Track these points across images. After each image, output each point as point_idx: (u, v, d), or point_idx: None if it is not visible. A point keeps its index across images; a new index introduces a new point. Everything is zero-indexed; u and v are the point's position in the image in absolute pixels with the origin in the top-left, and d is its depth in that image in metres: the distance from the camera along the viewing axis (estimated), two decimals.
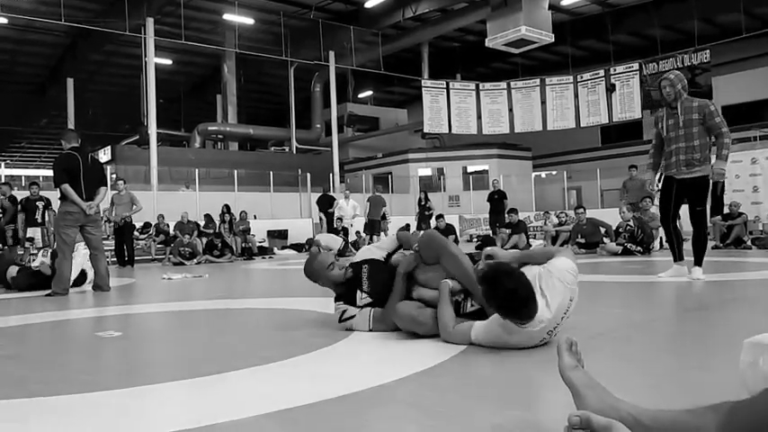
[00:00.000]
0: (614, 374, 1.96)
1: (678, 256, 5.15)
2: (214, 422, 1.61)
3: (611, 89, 19.10)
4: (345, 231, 14.39)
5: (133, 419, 1.70)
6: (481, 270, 2.36)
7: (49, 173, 6.82)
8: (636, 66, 18.80)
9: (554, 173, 24.04)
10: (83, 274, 6.40)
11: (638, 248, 8.59)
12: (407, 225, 16.13)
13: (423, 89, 20.61)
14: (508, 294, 2.17)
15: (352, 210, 14.35)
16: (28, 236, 10.59)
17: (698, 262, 5.02)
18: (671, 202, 5.02)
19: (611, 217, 10.52)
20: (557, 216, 12.04)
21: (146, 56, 17.73)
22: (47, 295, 5.59)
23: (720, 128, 4.76)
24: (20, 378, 2.32)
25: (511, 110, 20.29)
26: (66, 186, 5.79)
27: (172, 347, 2.90)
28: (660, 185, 5.18)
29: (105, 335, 3.23)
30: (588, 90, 19.52)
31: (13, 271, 6.41)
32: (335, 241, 12.18)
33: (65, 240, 5.82)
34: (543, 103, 19.97)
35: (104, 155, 21.52)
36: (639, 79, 18.66)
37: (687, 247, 5.15)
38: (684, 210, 5.11)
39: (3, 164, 16.89)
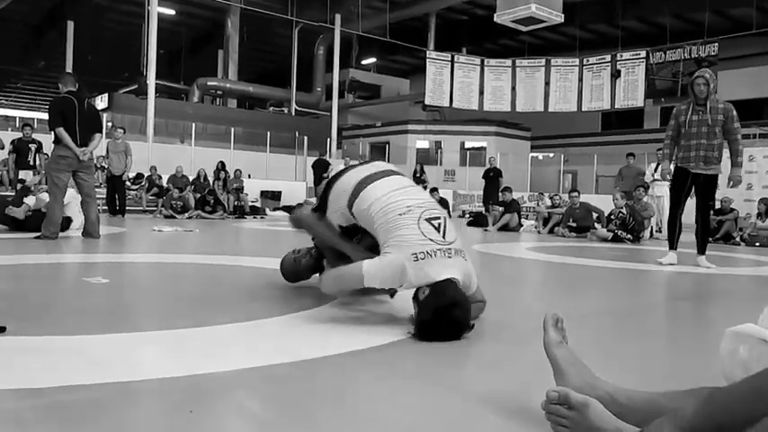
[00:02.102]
0: (592, 357, 1.99)
1: (674, 245, 5.35)
2: (197, 372, 1.62)
3: (615, 75, 18.96)
4: None
5: (117, 364, 1.71)
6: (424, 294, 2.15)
7: (44, 116, 6.74)
8: (643, 53, 18.64)
9: (551, 155, 24.00)
10: (67, 220, 6.35)
11: (629, 236, 8.64)
12: None
13: (427, 60, 20.39)
14: (453, 326, 2.09)
15: None
16: (19, 178, 10.51)
17: (702, 251, 5.24)
18: (683, 192, 5.20)
19: (605, 203, 10.55)
20: (550, 198, 12.04)
21: (149, 4, 17.40)
22: (36, 237, 5.57)
23: (737, 134, 5.00)
24: (1, 315, 2.32)
25: (514, 88, 20.13)
26: (61, 130, 5.73)
27: (159, 298, 2.91)
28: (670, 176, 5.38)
29: (93, 281, 3.23)
30: (593, 74, 19.37)
31: (20, 212, 6.35)
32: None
33: (56, 184, 5.78)
34: (547, 83, 19.82)
35: (101, 102, 21.26)
36: (645, 67, 18.53)
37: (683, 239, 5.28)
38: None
39: None
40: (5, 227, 6.45)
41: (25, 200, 6.49)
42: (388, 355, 1.91)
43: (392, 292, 2.45)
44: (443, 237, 2.23)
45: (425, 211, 2.29)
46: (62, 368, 1.64)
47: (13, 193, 10.18)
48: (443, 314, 2.06)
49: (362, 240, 2.57)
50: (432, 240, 2.19)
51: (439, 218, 2.29)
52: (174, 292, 3.05)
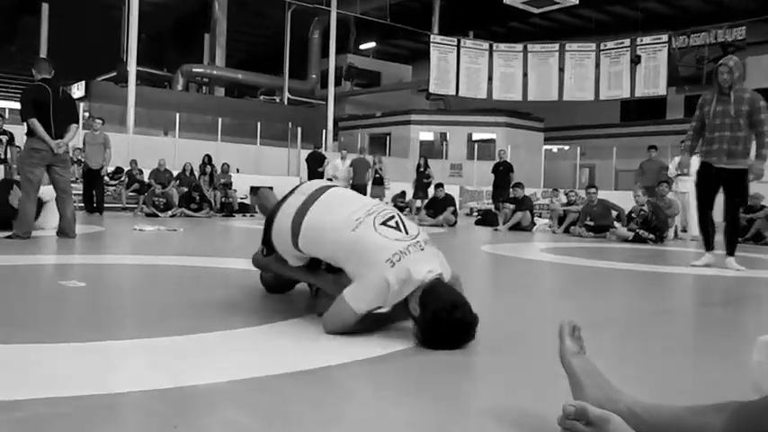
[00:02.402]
0: (611, 367, 1.98)
1: (710, 246, 5.33)
2: (182, 384, 1.62)
3: (635, 61, 18.96)
4: None
5: (96, 375, 1.71)
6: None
7: (15, 105, 6.74)
8: (665, 37, 18.64)
9: (566, 148, 24.00)
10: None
11: (651, 236, 8.63)
12: (403, 192, 16.13)
13: (431, 45, 20.39)
14: (459, 329, 2.10)
15: (347, 172, 14.30)
16: None
17: (731, 252, 5.23)
18: (710, 189, 5.20)
19: (625, 200, 10.54)
20: (566, 194, 12.05)
21: None
22: (7, 237, 5.57)
23: (764, 125, 4.93)
24: None
25: (525, 75, 20.14)
26: (34, 121, 5.73)
27: (139, 303, 2.91)
28: (696, 172, 5.37)
29: (69, 284, 3.23)
30: (611, 60, 19.37)
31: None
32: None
33: (30, 179, 5.78)
34: (561, 70, 19.82)
35: (78, 90, 21.27)
36: (668, 52, 18.52)
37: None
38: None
39: None
40: None
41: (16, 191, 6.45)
42: (389, 367, 1.91)
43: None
44: (406, 232, 2.27)
45: (376, 215, 2.30)
46: (37, 379, 1.64)
47: None
48: (445, 320, 2.06)
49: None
50: (397, 240, 2.21)
51: (393, 216, 2.33)
52: (156, 297, 3.05)
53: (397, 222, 2.28)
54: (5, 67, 32.61)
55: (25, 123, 5.82)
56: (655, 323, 2.91)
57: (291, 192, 2.61)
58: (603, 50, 19.50)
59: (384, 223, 2.26)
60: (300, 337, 2.22)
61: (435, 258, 2.26)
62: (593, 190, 10.19)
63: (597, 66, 19.49)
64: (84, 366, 1.79)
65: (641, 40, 18.98)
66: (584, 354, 1.44)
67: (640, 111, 23.06)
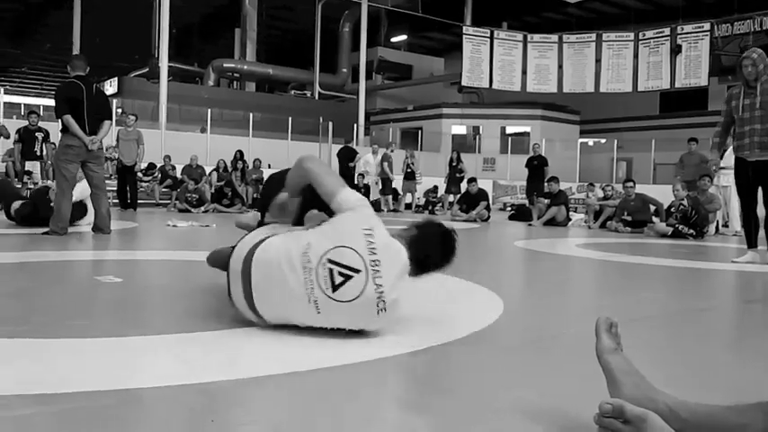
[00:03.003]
0: (649, 364, 1.97)
1: (753, 243, 5.26)
2: (217, 379, 1.66)
3: (676, 51, 18.61)
4: (367, 189, 14.41)
5: (132, 369, 1.75)
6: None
7: (51, 103, 6.90)
8: (707, 26, 18.25)
9: (603, 141, 23.69)
10: (82, 207, 6.49)
11: (691, 231, 8.48)
12: (435, 187, 16.11)
13: (463, 37, 20.28)
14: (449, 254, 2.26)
15: (378, 167, 14.33)
16: (26, 169, 10.77)
17: None
18: (749, 184, 5.14)
19: (664, 194, 10.38)
20: (602, 189, 11.90)
21: None
22: (44, 233, 5.71)
23: None
24: (12, 318, 2.39)
25: (560, 67, 19.92)
26: (69, 118, 5.85)
27: (174, 299, 2.97)
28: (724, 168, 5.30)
29: (105, 280, 3.31)
30: (650, 50, 19.05)
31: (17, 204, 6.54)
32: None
33: (65, 176, 5.91)
34: (598, 61, 19.56)
35: (110, 86, 21.67)
36: (710, 41, 18.13)
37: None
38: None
39: (2, 89, 17.09)
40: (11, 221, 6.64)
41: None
42: (418, 363, 1.92)
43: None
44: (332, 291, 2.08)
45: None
46: (73, 373, 1.69)
47: (20, 186, 10.48)
48: (438, 231, 2.28)
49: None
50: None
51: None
52: (191, 294, 3.10)
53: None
54: (39, 64, 33.40)
55: (60, 120, 5.95)
56: (694, 320, 2.88)
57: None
58: (642, 40, 19.18)
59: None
60: (327, 333, 2.24)
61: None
62: (630, 184, 10.06)
63: (635, 56, 19.19)
64: (121, 360, 1.84)
65: (682, 29, 18.62)
66: (621, 351, 1.44)
67: (680, 102, 22.64)
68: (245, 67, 24.55)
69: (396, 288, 2.09)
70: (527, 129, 23.28)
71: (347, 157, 14.44)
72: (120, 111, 16.84)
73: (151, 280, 3.72)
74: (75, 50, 21.32)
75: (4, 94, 18.13)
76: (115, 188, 11.51)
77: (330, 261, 2.05)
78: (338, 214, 2.18)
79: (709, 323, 2.88)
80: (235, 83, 26.06)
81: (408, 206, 15.35)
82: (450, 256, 2.27)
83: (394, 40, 28.77)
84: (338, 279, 2.04)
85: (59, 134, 6.03)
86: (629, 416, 1.19)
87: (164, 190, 13.26)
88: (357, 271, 2.04)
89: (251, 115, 18.67)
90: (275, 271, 2.09)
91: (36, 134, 11.11)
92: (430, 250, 2.22)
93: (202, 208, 11.48)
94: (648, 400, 1.28)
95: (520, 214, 12.29)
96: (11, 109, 20.20)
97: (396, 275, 2.09)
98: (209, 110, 18.02)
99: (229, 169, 13.82)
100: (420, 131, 23.26)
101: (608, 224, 9.95)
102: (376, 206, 12.73)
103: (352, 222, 2.13)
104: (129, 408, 1.45)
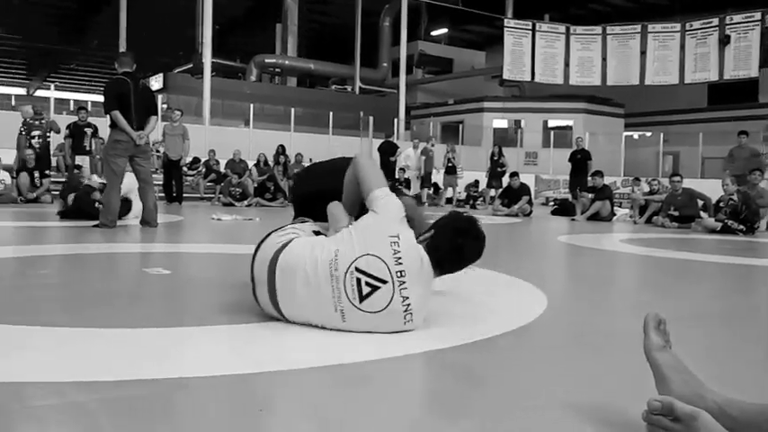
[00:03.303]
0: (699, 364, 1.94)
1: None
2: (265, 369, 1.69)
3: (724, 41, 18.12)
4: (408, 183, 14.41)
5: (181, 358, 1.80)
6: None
7: (100, 98, 7.07)
8: (757, 15, 17.71)
9: (649, 134, 23.21)
10: (127, 203, 6.67)
11: (741, 227, 8.27)
12: (476, 182, 16.02)
13: (505, 30, 20.08)
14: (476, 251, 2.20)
15: (418, 161, 14.32)
16: (76, 163, 11.07)
17: None
18: None
19: (712, 189, 10.15)
20: (648, 183, 11.69)
21: None
22: (94, 226, 5.87)
23: None
24: (64, 308, 2.48)
25: (604, 59, 19.60)
26: (117, 113, 6.00)
27: (223, 290, 3.02)
28: None
29: (153, 272, 3.40)
30: (697, 41, 18.60)
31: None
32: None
33: (113, 170, 6.06)
34: (643, 53, 19.19)
35: (156, 82, 22.07)
36: (760, 31, 17.60)
37: None
38: None
39: (53, 86, 17.58)
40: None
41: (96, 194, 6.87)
42: (458, 359, 1.92)
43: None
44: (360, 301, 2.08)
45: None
46: (123, 362, 1.74)
47: (65, 180, 10.77)
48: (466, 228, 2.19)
49: None
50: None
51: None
52: (235, 286, 3.15)
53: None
54: (88, 61, 34.21)
55: (108, 116, 6.10)
56: (744, 318, 2.81)
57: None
58: (689, 31, 18.74)
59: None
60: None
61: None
62: (677, 178, 9.85)
63: (682, 47, 18.76)
64: (170, 350, 1.89)
65: (731, 19, 18.12)
66: (670, 348, 1.42)
67: (730, 94, 22.04)
68: (287, 62, 24.73)
69: (422, 298, 2.09)
70: (570, 122, 22.96)
71: (388, 152, 14.46)
72: (165, 106, 17.16)
73: (197, 272, 3.80)
74: (122, 47, 21.79)
75: (55, 90, 18.65)
76: (161, 182, 11.74)
77: (357, 270, 2.05)
78: (362, 218, 2.19)
79: (760, 322, 2.81)
80: (276, 78, 26.27)
81: (449, 200, 15.30)
82: (469, 255, 2.20)
83: (434, 33, 28.64)
84: (366, 290, 2.04)
85: (108, 129, 6.19)
86: (678, 413, 1.17)
87: (208, 184, 13.49)
88: (384, 282, 2.04)
89: (292, 110, 18.83)
90: (300, 278, 2.11)
91: (85, 129, 11.42)
92: (446, 253, 2.15)
93: (245, 201, 11.64)
94: (698, 398, 1.26)
95: (563, 209, 12.17)
96: (61, 105, 20.77)
97: (422, 285, 2.08)
98: (252, 105, 18.23)
99: (270, 163, 13.95)
100: (461, 125, 23.13)
101: (654, 219, 9.77)
102: (417, 200, 12.73)
103: (377, 227, 2.12)
104: (179, 397, 1.49)
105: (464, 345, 2.03)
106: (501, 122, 24.01)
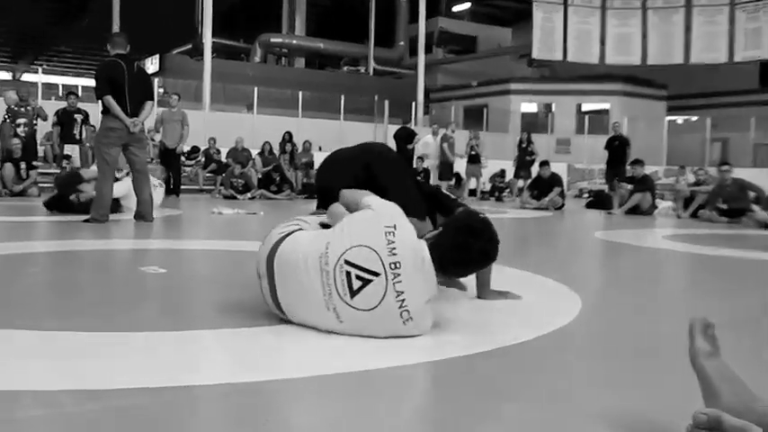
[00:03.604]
0: (751, 372, 1.92)
1: None
2: (271, 377, 1.70)
3: None
4: (427, 174, 14.39)
5: (181, 366, 1.81)
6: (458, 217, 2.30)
7: (90, 83, 7.12)
8: None
9: (694, 119, 23.03)
10: (117, 202, 6.73)
11: None
12: (503, 171, 15.97)
13: (533, 4, 19.99)
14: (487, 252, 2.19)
15: (438, 149, 14.28)
16: (65, 153, 11.16)
17: None
18: None
19: (766, 179, 10.05)
20: (694, 173, 11.60)
21: None
22: (84, 221, 5.92)
23: None
24: (54, 310, 2.50)
25: (644, 36, 19.48)
26: (109, 98, 6.03)
27: (221, 291, 3.04)
28: None
29: (149, 270, 3.43)
30: (748, 15, 18.42)
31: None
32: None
33: (106, 160, 6.10)
34: (688, 29, 19.04)
35: (152, 64, 22.21)
36: None
37: None
38: None
39: (40, 69, 17.73)
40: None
41: (84, 186, 6.92)
42: (493, 364, 1.92)
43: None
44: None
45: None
46: (121, 368, 1.76)
47: (59, 171, 10.87)
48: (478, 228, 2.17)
49: None
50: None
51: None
52: (238, 285, 3.17)
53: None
54: (78, 42, 34.42)
55: (100, 101, 6.15)
56: None
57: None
58: (739, 4, 18.56)
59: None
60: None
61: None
62: (726, 167, 9.77)
63: (731, 22, 18.59)
64: (170, 356, 1.91)
65: None
66: (718, 356, 1.41)
67: None
68: (294, 41, 24.78)
69: (420, 295, 2.06)
70: (606, 106, 22.81)
71: (405, 139, 14.43)
72: (162, 90, 17.25)
73: (196, 271, 3.82)
74: (115, 27, 21.94)
75: (42, 74, 18.80)
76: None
77: (347, 263, 2.04)
78: (358, 212, 2.20)
79: None
80: (283, 59, 26.33)
81: (473, 192, 15.27)
82: (476, 258, 2.18)
83: (456, 9, 28.56)
84: (356, 284, 2.04)
85: (100, 116, 6.23)
86: (727, 427, 1.16)
87: (208, 175, 13.55)
88: (376, 274, 2.03)
89: (300, 94, 18.87)
90: (294, 273, 2.12)
91: (75, 116, 11.49)
92: (448, 250, 2.12)
93: (249, 194, 11.69)
94: (749, 411, 1.25)
95: (598, 201, 12.13)
96: (49, 90, 20.93)
97: (420, 282, 2.06)
98: (256, 88, 18.28)
99: (275, 152, 13.96)
100: (485, 110, 23.07)
101: (700, 213, 9.70)
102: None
103: (373, 218, 2.13)
104: (183, 406, 1.50)
105: (490, 351, 2.03)
106: (530, 106, 23.92)
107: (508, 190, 15.42)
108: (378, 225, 2.09)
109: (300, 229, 2.26)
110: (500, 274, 2.36)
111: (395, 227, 2.08)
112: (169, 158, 11.52)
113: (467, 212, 2.28)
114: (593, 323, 2.58)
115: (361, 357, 1.91)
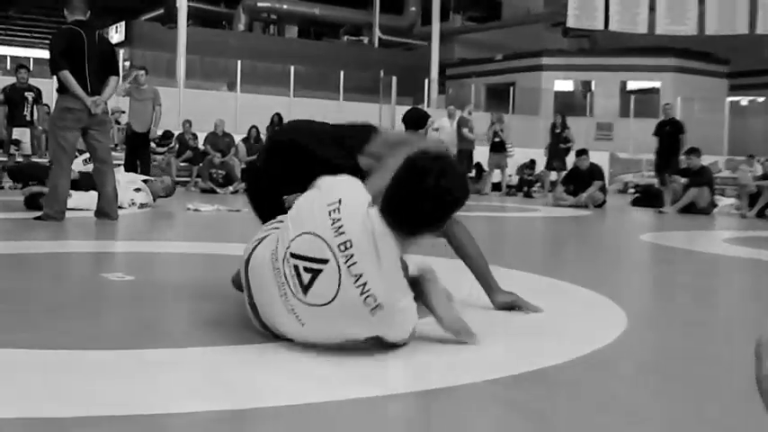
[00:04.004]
0: None
1: None
2: (247, 406, 1.71)
3: None
4: None
5: (148, 390, 1.81)
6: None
7: (43, 54, 7.12)
8: None
9: (761, 100, 22.98)
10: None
11: None
12: (533, 162, 15.95)
13: None
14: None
15: (455, 134, 14.26)
16: (13, 137, 11.15)
17: None
18: None
19: None
20: (761, 164, 11.57)
21: None
22: (36, 218, 5.91)
23: None
24: (6, 323, 2.50)
25: (702, 1, 19.41)
26: (66, 74, 6.01)
27: (197, 302, 3.04)
28: None
29: (113, 277, 3.43)
30: None
31: None
32: None
33: (62, 146, 6.08)
34: None
35: (116, 33, 22.25)
36: None
37: None
38: None
39: None
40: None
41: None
42: (562, 380, 1.92)
43: None
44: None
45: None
46: (81, 393, 1.75)
47: (5, 159, 10.88)
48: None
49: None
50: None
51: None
52: (217, 296, 3.18)
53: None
54: (29, 7, 34.44)
55: (55, 77, 6.14)
56: None
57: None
58: None
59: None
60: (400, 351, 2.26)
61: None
62: None
63: None
64: (140, 378, 1.90)
65: None
66: None
67: None
68: (285, 6, 24.80)
69: (384, 275, 2.02)
70: (656, 84, 22.80)
71: (416, 123, 14.33)
72: (128, 64, 17.26)
73: (169, 278, 3.82)
74: None
75: None
76: (122, 161, 11.81)
77: (293, 255, 2.06)
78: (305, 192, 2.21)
79: None
80: (271, 27, 26.35)
81: (496, 186, 15.27)
82: (436, 204, 2.09)
83: None
84: (306, 277, 2.04)
85: (55, 94, 6.23)
86: None
87: (182, 164, 13.50)
88: (324, 261, 2.02)
89: (292, 69, 18.88)
90: (261, 280, 2.16)
91: (26, 94, 11.45)
92: (400, 202, 2.08)
93: (231, 188, 11.70)
94: None
95: (647, 198, 12.16)
96: None
97: (377, 256, 2.02)
98: (239, 62, 18.30)
99: (263, 138, 13.93)
100: (512, 88, 23.06)
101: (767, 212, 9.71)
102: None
103: (316, 197, 2.14)
104: None
105: (521, 374, 2.03)
106: (565, 84, 23.91)
107: (539, 184, 15.41)
108: (321, 205, 2.09)
109: (275, 231, 2.26)
110: (529, 283, 2.35)
111: (339, 201, 2.07)
112: (136, 145, 11.47)
113: (418, 154, 2.18)
114: (641, 343, 2.58)
115: (344, 385, 1.91)
